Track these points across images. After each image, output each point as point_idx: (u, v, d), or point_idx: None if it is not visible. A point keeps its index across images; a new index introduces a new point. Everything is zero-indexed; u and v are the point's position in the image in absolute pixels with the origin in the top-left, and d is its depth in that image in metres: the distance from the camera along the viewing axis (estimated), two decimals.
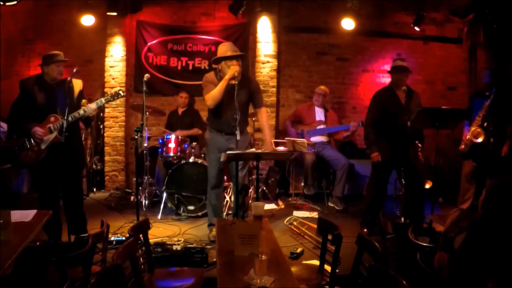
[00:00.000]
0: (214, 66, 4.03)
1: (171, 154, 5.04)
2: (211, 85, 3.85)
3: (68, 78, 3.63)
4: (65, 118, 3.43)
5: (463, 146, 4.71)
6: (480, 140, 4.49)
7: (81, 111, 3.58)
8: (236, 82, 3.71)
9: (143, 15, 6.51)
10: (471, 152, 4.63)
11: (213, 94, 3.79)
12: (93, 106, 3.62)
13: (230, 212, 4.83)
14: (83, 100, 3.69)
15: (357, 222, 4.43)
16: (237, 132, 3.62)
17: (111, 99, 3.84)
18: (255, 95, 4.05)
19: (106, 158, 6.55)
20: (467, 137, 4.63)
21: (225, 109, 3.86)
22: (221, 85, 3.78)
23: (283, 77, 6.74)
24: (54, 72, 3.63)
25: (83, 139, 5.28)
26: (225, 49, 3.92)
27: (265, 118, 4.12)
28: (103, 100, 3.75)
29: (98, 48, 6.54)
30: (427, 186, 4.91)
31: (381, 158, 4.17)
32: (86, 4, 5.89)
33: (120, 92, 3.83)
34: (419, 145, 4.53)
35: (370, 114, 4.33)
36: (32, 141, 3.60)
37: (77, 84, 3.78)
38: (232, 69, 3.76)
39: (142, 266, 2.45)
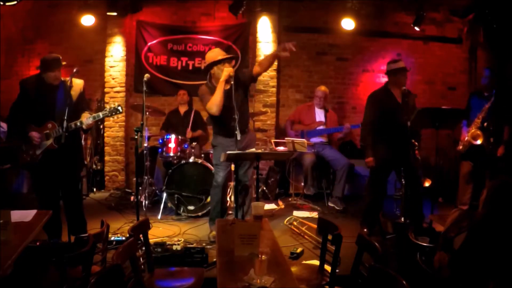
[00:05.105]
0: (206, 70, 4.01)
1: (171, 154, 5.04)
2: (208, 95, 3.84)
3: (68, 79, 3.61)
4: (65, 118, 3.43)
5: (461, 147, 4.71)
6: (479, 142, 4.49)
7: (78, 123, 3.55)
8: (232, 83, 3.70)
9: (143, 15, 6.51)
10: (469, 153, 4.64)
11: (214, 100, 3.76)
12: (89, 121, 3.57)
13: (230, 212, 4.83)
14: (85, 113, 3.62)
15: (357, 222, 4.42)
16: (237, 132, 3.61)
17: (109, 115, 3.76)
18: (247, 74, 3.97)
19: (106, 158, 6.55)
20: (466, 138, 4.63)
21: (226, 111, 3.82)
22: (219, 89, 3.76)
23: (283, 77, 6.74)
24: (50, 79, 3.59)
25: (82, 139, 5.27)
26: (214, 54, 3.92)
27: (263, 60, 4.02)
28: (100, 114, 3.68)
29: (98, 48, 6.54)
30: (427, 184, 4.91)
31: (380, 158, 4.15)
32: (86, 4, 5.89)
33: (119, 108, 3.74)
34: (416, 143, 4.52)
35: (366, 116, 4.29)
36: (29, 145, 3.58)
37: (78, 85, 3.72)
38: (226, 71, 3.75)
39: (142, 266, 2.45)
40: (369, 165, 4.18)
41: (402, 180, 4.52)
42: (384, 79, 6.74)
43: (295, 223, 4.57)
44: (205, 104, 3.84)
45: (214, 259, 3.01)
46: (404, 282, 1.60)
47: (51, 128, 3.59)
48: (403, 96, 4.10)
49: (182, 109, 5.94)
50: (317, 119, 5.69)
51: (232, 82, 3.70)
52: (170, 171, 4.93)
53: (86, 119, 3.57)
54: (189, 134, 5.58)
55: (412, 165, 4.13)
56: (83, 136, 5.58)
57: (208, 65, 3.92)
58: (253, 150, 3.89)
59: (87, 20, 5.93)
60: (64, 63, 3.65)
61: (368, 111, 4.27)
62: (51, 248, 3.44)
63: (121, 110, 3.77)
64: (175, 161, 5.09)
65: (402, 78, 4.14)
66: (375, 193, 4.24)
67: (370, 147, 4.16)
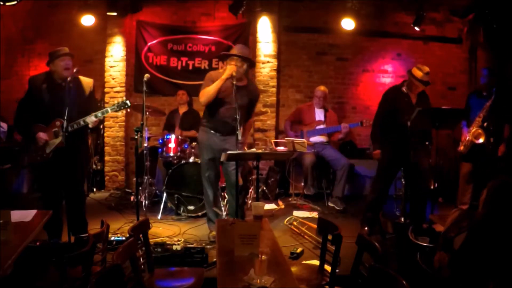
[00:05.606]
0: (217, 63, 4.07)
1: (171, 154, 5.04)
2: (210, 83, 3.82)
3: (69, 78, 3.59)
4: (65, 118, 3.42)
5: (462, 148, 4.69)
6: (481, 140, 4.48)
7: (81, 122, 3.55)
8: (234, 82, 3.68)
9: (143, 15, 6.52)
10: (470, 154, 4.63)
11: (207, 92, 3.77)
12: (92, 118, 3.56)
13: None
14: (92, 115, 3.60)
15: (357, 222, 4.42)
16: (238, 133, 3.60)
17: (117, 109, 3.75)
18: (253, 104, 4.11)
19: (106, 158, 6.55)
20: (467, 138, 4.61)
21: (225, 109, 3.83)
22: (217, 84, 3.75)
23: (283, 77, 6.74)
24: (60, 68, 3.56)
25: None
26: (234, 49, 3.96)
27: (249, 126, 4.22)
28: (108, 109, 3.69)
29: (98, 48, 6.54)
30: (432, 186, 4.90)
31: (385, 158, 4.18)
32: (86, 4, 5.90)
33: (127, 102, 3.73)
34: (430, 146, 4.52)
35: (377, 112, 4.37)
36: (36, 145, 3.57)
37: (87, 84, 3.72)
38: (229, 69, 3.74)
39: (142, 266, 2.45)
40: (376, 158, 4.30)
41: (403, 180, 4.52)
42: (384, 79, 6.78)
43: (295, 223, 4.57)
44: (202, 89, 3.86)
45: (214, 259, 3.01)
46: (404, 282, 1.60)
47: (59, 126, 3.56)
48: (419, 96, 4.12)
49: (182, 110, 5.93)
50: (317, 119, 5.69)
51: (234, 82, 3.68)
52: (170, 171, 4.93)
53: (90, 117, 3.57)
54: (177, 132, 5.53)
55: (413, 166, 4.11)
56: None
57: (219, 55, 3.97)
58: (253, 150, 3.89)
59: (87, 20, 5.93)
60: (70, 53, 3.62)
61: (378, 108, 4.39)
62: (51, 248, 3.44)
63: (129, 104, 3.77)
64: (175, 161, 5.09)
65: (413, 86, 4.13)
66: (378, 191, 4.25)
67: (377, 141, 4.32)
